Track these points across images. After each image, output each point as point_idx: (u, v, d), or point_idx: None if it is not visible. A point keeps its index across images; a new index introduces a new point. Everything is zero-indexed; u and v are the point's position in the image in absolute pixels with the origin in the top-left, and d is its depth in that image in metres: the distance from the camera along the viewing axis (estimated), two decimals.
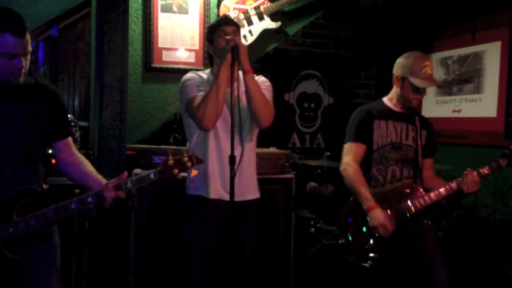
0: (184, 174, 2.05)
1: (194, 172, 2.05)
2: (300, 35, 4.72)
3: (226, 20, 2.54)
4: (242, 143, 2.36)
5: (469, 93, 4.47)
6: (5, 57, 1.86)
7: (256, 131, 2.56)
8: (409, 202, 2.62)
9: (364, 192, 2.61)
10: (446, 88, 4.69)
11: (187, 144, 2.66)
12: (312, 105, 4.92)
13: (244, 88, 2.40)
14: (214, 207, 2.44)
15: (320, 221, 3.68)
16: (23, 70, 1.92)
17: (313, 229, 3.67)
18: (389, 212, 2.60)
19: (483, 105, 4.33)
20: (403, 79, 2.70)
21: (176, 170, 1.97)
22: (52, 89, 2.12)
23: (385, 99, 2.83)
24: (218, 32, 2.45)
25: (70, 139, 2.17)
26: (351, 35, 4.94)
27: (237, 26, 2.52)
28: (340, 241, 3.32)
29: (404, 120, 2.76)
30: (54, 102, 2.09)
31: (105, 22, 3.27)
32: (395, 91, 2.78)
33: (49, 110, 2.05)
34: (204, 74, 2.56)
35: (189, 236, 2.51)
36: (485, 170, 2.62)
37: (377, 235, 2.59)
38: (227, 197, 2.32)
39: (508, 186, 4.05)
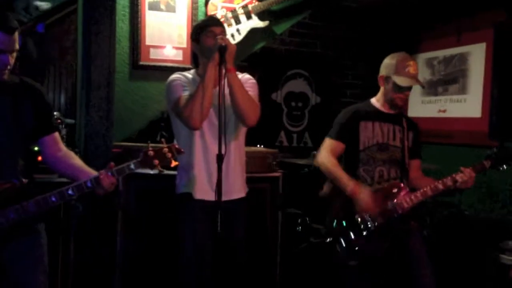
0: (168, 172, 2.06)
1: (174, 163, 2.06)
2: (288, 34, 4.74)
3: (214, 21, 2.57)
4: (227, 142, 2.36)
5: (454, 93, 4.53)
6: None
7: (242, 130, 2.57)
8: (396, 202, 2.64)
9: (344, 177, 2.65)
10: (432, 88, 4.74)
11: (175, 142, 2.66)
12: (300, 104, 4.94)
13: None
14: (201, 206, 2.45)
15: (308, 219, 3.69)
16: (9, 67, 1.95)
17: (300, 227, 3.69)
18: (371, 190, 2.63)
19: (468, 105, 4.38)
20: (387, 79, 2.75)
21: (156, 161, 2.01)
22: (37, 87, 2.15)
23: (373, 100, 2.87)
24: (205, 32, 2.46)
25: (57, 134, 2.19)
26: (338, 35, 4.97)
27: (223, 27, 2.54)
28: (327, 240, 3.33)
29: (391, 121, 2.80)
30: (39, 99, 2.11)
31: (91, 19, 3.25)
32: (381, 91, 2.83)
33: (33, 106, 2.07)
34: (190, 74, 2.57)
35: (180, 235, 2.51)
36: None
37: (362, 226, 2.61)
38: (213, 196, 2.33)
39: (494, 185, 4.10)
